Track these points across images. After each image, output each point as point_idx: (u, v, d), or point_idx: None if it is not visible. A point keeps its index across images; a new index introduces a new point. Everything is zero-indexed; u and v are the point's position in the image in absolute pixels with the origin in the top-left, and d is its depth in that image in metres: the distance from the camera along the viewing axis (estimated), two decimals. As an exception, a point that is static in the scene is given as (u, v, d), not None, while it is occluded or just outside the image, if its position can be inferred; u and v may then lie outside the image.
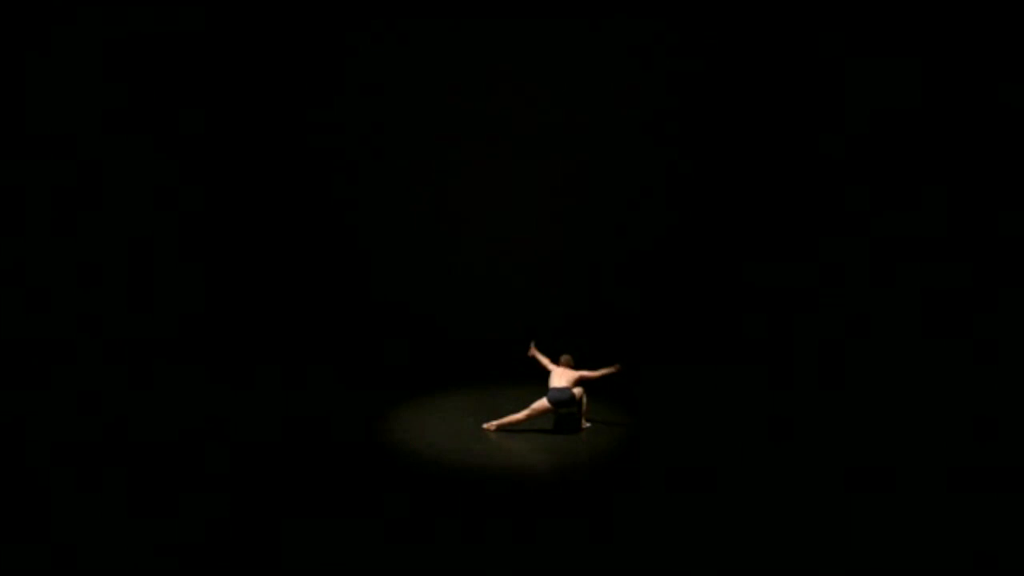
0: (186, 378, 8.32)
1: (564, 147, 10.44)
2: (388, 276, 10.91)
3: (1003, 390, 6.86)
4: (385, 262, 10.91)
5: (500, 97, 10.42)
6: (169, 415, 7.41)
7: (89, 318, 7.68)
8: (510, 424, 7.17)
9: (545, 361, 7.61)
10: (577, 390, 7.20)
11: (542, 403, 7.13)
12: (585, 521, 5.40)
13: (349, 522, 5.35)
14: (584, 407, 7.36)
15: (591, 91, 10.27)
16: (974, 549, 4.93)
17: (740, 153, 9.91)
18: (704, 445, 6.91)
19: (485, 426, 7.18)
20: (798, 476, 6.10)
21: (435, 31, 10.20)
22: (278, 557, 4.87)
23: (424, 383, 8.73)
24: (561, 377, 7.24)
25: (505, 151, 10.65)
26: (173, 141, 8.80)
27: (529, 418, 7.17)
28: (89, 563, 4.78)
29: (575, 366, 7.39)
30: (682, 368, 9.23)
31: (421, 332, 10.86)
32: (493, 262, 10.75)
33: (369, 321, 10.89)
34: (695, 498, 5.78)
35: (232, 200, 9.84)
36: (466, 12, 10.15)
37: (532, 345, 7.81)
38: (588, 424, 7.39)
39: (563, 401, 7.12)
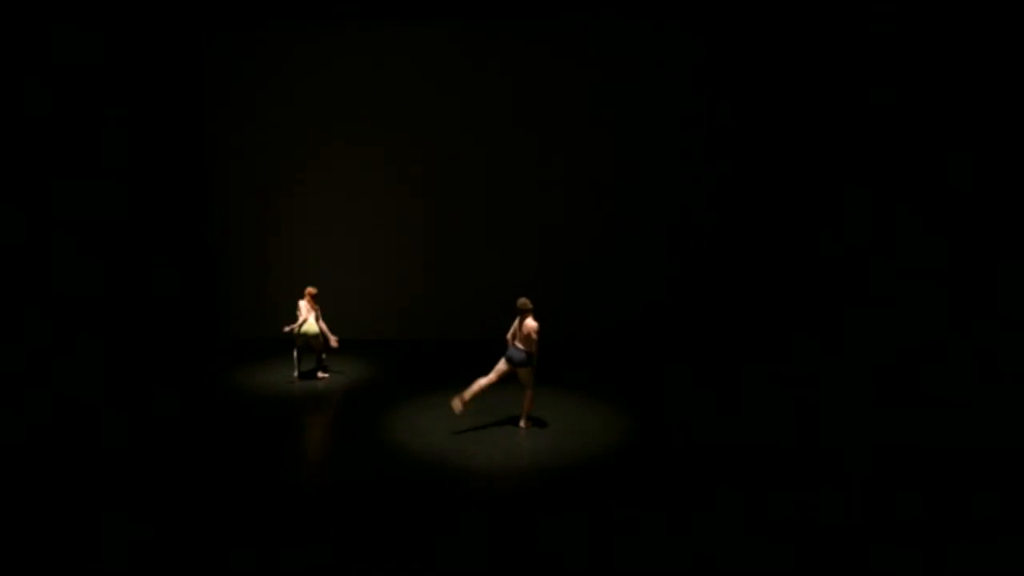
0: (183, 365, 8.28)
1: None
2: (387, 278, 10.90)
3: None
4: (386, 263, 10.91)
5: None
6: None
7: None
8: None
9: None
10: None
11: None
12: (587, 517, 5.38)
13: (349, 521, 5.34)
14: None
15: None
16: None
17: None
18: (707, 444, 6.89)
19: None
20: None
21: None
22: (279, 557, 4.87)
23: (423, 383, 8.71)
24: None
25: (510, 152, 10.67)
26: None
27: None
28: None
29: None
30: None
31: (419, 332, 10.86)
32: (493, 263, 10.74)
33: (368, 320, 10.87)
34: (696, 493, 5.75)
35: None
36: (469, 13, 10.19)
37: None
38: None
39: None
